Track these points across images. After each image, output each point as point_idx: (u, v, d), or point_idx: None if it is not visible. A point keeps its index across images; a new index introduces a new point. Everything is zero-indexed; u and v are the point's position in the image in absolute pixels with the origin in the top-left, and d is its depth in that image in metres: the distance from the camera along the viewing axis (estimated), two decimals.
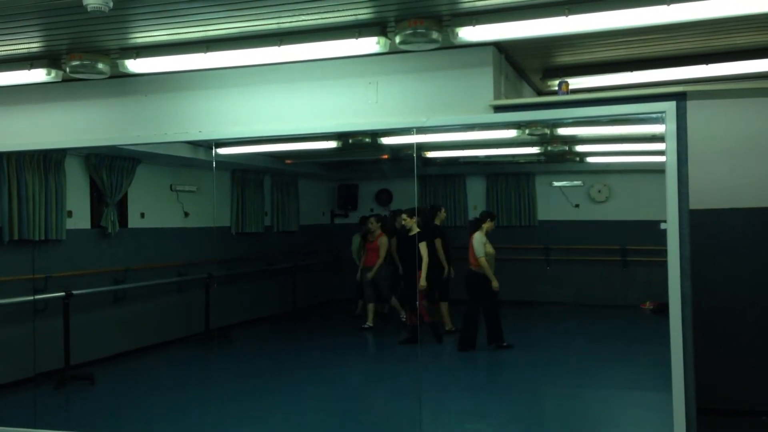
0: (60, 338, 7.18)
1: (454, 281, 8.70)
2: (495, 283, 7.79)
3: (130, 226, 8.68)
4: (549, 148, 8.76)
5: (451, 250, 8.75)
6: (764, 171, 5.91)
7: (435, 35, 4.76)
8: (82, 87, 6.24)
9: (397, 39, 4.82)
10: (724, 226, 5.92)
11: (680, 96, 4.56)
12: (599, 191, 9.61)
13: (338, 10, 4.62)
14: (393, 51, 5.18)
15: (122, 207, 8.60)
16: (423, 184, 10.33)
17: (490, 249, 7.91)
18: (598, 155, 9.72)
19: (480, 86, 5.39)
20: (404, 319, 9.35)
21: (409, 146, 5.82)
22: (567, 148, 9.01)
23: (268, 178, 10.58)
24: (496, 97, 5.39)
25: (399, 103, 5.53)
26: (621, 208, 9.38)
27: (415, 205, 8.02)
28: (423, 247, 8.07)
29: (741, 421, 5.83)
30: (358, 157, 10.27)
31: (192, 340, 9.03)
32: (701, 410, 4.55)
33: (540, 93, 7.09)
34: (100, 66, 5.53)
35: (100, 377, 7.46)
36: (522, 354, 8.06)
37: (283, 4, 4.50)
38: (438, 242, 8.62)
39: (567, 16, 4.45)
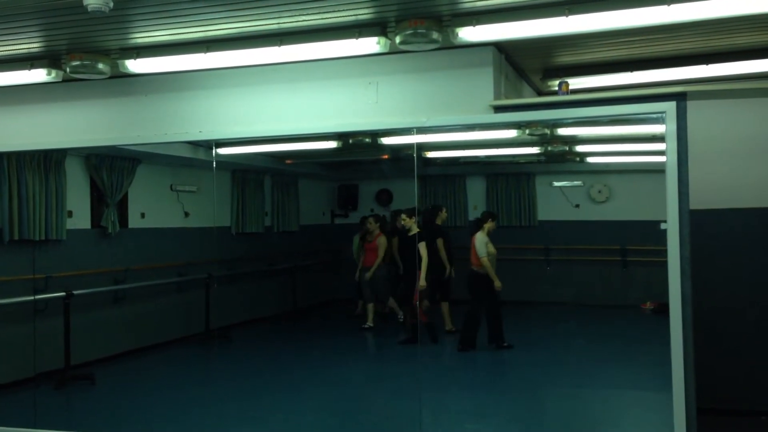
0: (60, 338, 7.19)
1: (455, 281, 8.70)
2: (497, 283, 7.80)
3: (130, 226, 8.68)
4: (549, 148, 8.76)
5: (452, 251, 8.75)
6: (764, 171, 5.91)
7: (435, 35, 4.76)
8: (82, 87, 6.24)
9: (398, 39, 4.83)
10: (724, 226, 5.92)
11: (680, 96, 4.56)
12: (599, 191, 9.61)
13: (338, 11, 4.62)
14: (393, 51, 5.19)
15: (122, 207, 8.61)
16: (423, 185, 10.32)
17: (492, 249, 7.92)
18: (598, 155, 9.71)
19: (480, 86, 5.39)
20: (402, 320, 9.35)
21: (410, 146, 5.82)
22: (567, 149, 9.00)
23: (268, 178, 10.59)
24: (497, 97, 5.39)
25: (399, 103, 5.53)
26: (621, 208, 9.38)
27: (416, 205, 8.02)
28: (422, 247, 8.07)
29: (741, 421, 5.83)
30: (358, 157, 10.27)
31: (192, 340, 9.03)
32: (701, 410, 4.56)
33: (540, 93, 7.09)
34: (101, 66, 5.53)
35: (101, 377, 7.46)
36: (522, 354, 8.06)
37: (284, 5, 4.50)
38: (440, 242, 8.63)
39: (567, 16, 4.45)
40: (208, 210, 9.11)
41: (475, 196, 10.46)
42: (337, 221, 11.39)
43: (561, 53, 6.10)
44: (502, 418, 6.08)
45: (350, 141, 8.01)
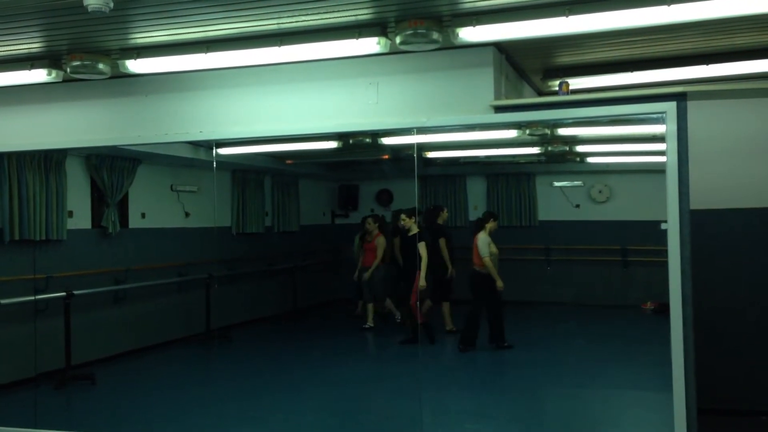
0: (61, 338, 7.19)
1: (456, 281, 8.70)
2: (500, 283, 7.81)
3: (130, 226, 8.68)
4: (549, 148, 8.76)
5: (453, 250, 8.76)
6: (765, 171, 5.91)
7: (435, 35, 4.76)
8: (82, 87, 6.24)
9: (398, 39, 4.83)
10: (724, 226, 5.91)
11: (681, 96, 4.56)
12: (600, 191, 9.61)
13: (339, 11, 4.62)
14: (393, 51, 5.19)
15: (123, 207, 8.61)
16: (423, 185, 10.33)
17: (494, 249, 7.94)
18: (598, 155, 9.72)
19: (480, 86, 5.39)
20: (399, 320, 9.37)
21: (410, 146, 5.83)
22: (567, 149, 9.01)
23: (268, 179, 10.59)
24: (497, 97, 5.39)
25: (399, 104, 5.53)
26: (621, 208, 9.39)
27: (416, 205, 8.02)
28: (422, 247, 8.08)
29: (741, 421, 5.83)
30: (358, 158, 10.28)
31: (192, 340, 9.03)
32: (701, 410, 4.55)
33: (540, 93, 7.09)
34: (101, 66, 5.53)
35: (101, 377, 7.46)
36: (522, 354, 8.07)
37: (284, 5, 4.50)
38: (442, 242, 8.64)
39: (567, 16, 4.45)
40: (209, 210, 9.12)
41: (476, 196, 10.47)
42: (338, 221, 11.40)
43: (561, 53, 6.10)
44: (503, 418, 6.08)
45: (351, 141, 8.01)
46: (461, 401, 6.57)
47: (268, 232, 10.54)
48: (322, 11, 4.62)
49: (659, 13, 4.30)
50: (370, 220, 9.59)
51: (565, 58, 6.25)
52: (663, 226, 4.50)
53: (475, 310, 8.09)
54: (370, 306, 9.46)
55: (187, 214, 9.35)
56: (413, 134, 5.36)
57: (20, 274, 6.95)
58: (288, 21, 4.81)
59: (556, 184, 9.92)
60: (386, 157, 9.72)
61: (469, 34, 4.74)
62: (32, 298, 6.82)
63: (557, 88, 5.69)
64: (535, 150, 8.96)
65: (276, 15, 4.70)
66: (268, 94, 5.86)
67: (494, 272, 7.83)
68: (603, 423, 5.99)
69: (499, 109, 5.31)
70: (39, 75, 5.69)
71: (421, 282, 7.95)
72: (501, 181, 10.27)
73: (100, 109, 6.25)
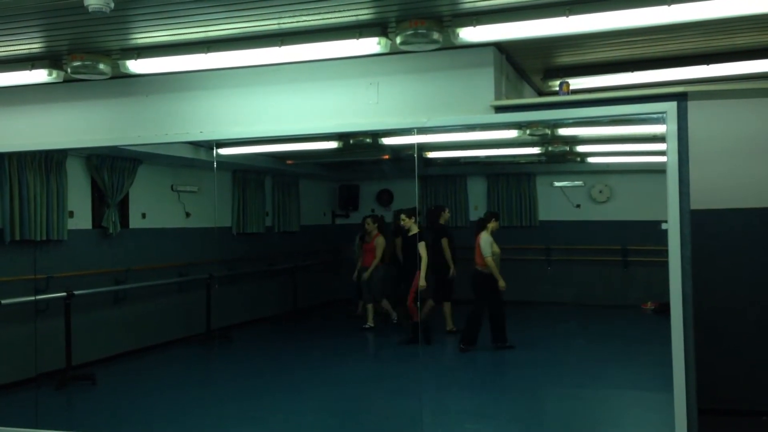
0: (61, 338, 7.19)
1: (457, 281, 8.71)
2: (502, 283, 7.83)
3: (131, 226, 8.68)
4: (550, 148, 8.76)
5: (455, 250, 8.77)
6: (765, 171, 5.91)
7: (436, 36, 4.76)
8: (83, 87, 6.25)
9: (398, 39, 4.83)
10: (724, 226, 5.92)
11: (681, 96, 4.56)
12: (600, 191, 9.60)
13: (339, 11, 4.62)
14: (394, 51, 5.19)
15: (123, 207, 8.61)
16: (424, 185, 10.33)
17: (496, 249, 7.96)
18: (599, 155, 9.71)
19: (481, 87, 5.39)
20: (395, 321, 9.39)
21: (410, 146, 5.82)
22: (568, 149, 9.01)
23: (269, 179, 10.59)
24: (497, 97, 5.39)
25: (400, 104, 5.53)
26: (622, 208, 9.38)
27: (416, 205, 8.02)
28: (422, 247, 8.09)
29: (741, 421, 5.83)
30: (359, 158, 10.27)
31: (193, 341, 9.04)
32: (702, 410, 4.55)
33: (541, 93, 7.09)
34: (102, 66, 5.53)
35: (102, 377, 7.47)
36: (523, 354, 8.06)
37: (284, 5, 4.50)
38: (444, 242, 8.65)
39: (568, 16, 4.45)
40: (209, 210, 9.12)
41: (476, 196, 10.46)
42: (338, 221, 11.40)
43: (562, 53, 6.10)
44: (503, 418, 6.08)
45: (351, 141, 8.00)
46: (461, 401, 6.57)
47: (268, 232, 10.54)
48: (322, 11, 4.62)
49: (660, 13, 4.30)
50: (369, 220, 9.59)
51: (566, 58, 6.25)
52: (663, 226, 4.50)
53: (476, 309, 8.10)
54: (370, 306, 9.46)
55: (187, 215, 9.35)
56: (414, 134, 5.36)
57: (21, 274, 6.95)
58: (289, 21, 4.82)
59: (557, 184, 9.92)
60: (387, 157, 9.71)
61: (469, 34, 4.74)
62: (33, 298, 6.83)
63: (558, 88, 5.69)
64: (536, 150, 8.96)
65: (277, 15, 4.70)
66: (268, 94, 5.86)
67: (496, 272, 7.85)
68: (603, 423, 5.99)
69: (499, 109, 5.31)
70: (40, 75, 5.69)
71: (421, 282, 7.95)
72: (501, 181, 10.26)
73: (100, 110, 6.25)
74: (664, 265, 4.48)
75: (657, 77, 6.32)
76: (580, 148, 9.32)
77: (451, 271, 8.66)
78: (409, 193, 9.08)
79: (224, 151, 7.90)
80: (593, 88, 6.57)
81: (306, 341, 9.53)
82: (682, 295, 4.45)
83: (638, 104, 4.79)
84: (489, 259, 7.85)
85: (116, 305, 8.40)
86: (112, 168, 8.21)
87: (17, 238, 7.14)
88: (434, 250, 8.61)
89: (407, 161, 5.93)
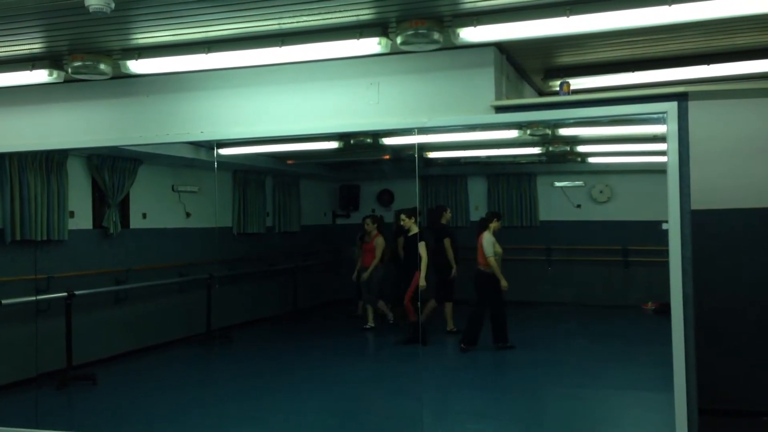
0: (62, 338, 7.20)
1: (458, 281, 8.71)
2: (504, 283, 7.83)
3: (131, 226, 8.68)
4: (550, 148, 8.76)
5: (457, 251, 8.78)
6: (765, 171, 5.91)
7: (436, 36, 4.76)
8: (83, 88, 6.25)
9: (399, 40, 4.83)
10: (725, 226, 5.92)
11: (682, 96, 4.56)
12: (601, 192, 9.60)
13: (340, 11, 4.63)
14: (394, 51, 5.19)
15: (124, 207, 8.62)
16: (424, 185, 10.33)
17: (498, 248, 7.97)
18: (599, 156, 9.71)
19: (481, 87, 5.39)
20: (392, 321, 9.41)
21: (411, 147, 5.82)
22: (568, 149, 9.00)
23: (269, 179, 10.59)
24: (498, 97, 5.39)
25: (400, 104, 5.53)
26: (622, 208, 9.37)
27: (417, 205, 8.02)
28: (422, 247, 8.09)
29: (742, 421, 5.83)
30: (359, 158, 10.28)
31: (193, 341, 9.04)
32: (702, 411, 4.55)
33: (541, 93, 7.09)
34: (102, 67, 5.54)
35: (102, 377, 7.47)
36: (523, 354, 8.06)
37: (285, 5, 4.50)
38: (447, 242, 8.66)
39: (568, 16, 4.45)
40: (210, 210, 9.12)
41: (477, 196, 10.46)
42: (339, 222, 11.40)
43: (562, 53, 6.10)
44: (504, 418, 6.08)
45: (351, 141, 8.01)
46: (462, 401, 6.57)
47: (269, 232, 10.54)
48: (323, 11, 4.62)
49: (660, 13, 4.30)
50: (368, 220, 9.60)
51: (566, 58, 6.25)
52: (664, 226, 4.50)
53: (478, 309, 8.10)
54: (369, 306, 9.46)
55: (188, 215, 9.36)
56: (414, 134, 5.36)
57: (21, 274, 6.95)
58: (289, 21, 4.82)
59: (557, 184, 9.92)
60: (387, 157, 9.71)
61: (470, 34, 4.74)
62: (33, 298, 6.83)
63: (558, 89, 5.69)
64: (536, 150, 8.95)
65: (277, 15, 4.70)
66: (269, 94, 5.87)
67: (498, 272, 7.85)
68: (604, 423, 5.99)
69: (500, 109, 5.32)
70: (40, 75, 5.70)
71: (421, 282, 7.95)
72: (502, 181, 10.26)
73: (101, 110, 6.26)
74: (665, 266, 4.48)
75: (657, 77, 6.32)
76: (581, 148, 9.32)
77: (453, 271, 8.66)
78: (409, 193, 9.09)
79: (225, 152, 7.91)
80: (594, 88, 6.57)
81: (306, 341, 9.53)
82: (683, 296, 4.45)
83: (639, 104, 4.79)
84: (491, 259, 7.86)
85: (117, 305, 8.40)
86: (112, 168, 8.22)
87: (18, 238, 7.14)
88: (436, 251, 8.62)
89: (408, 161, 5.93)
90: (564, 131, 7.36)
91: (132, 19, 4.76)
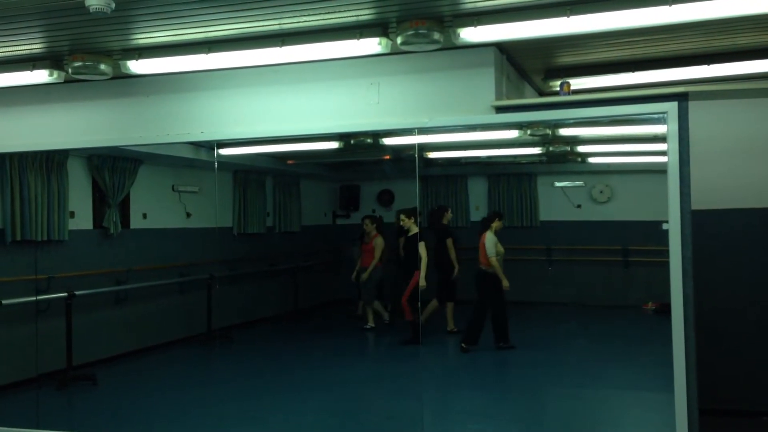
0: (62, 339, 7.20)
1: (459, 281, 8.71)
2: (506, 283, 7.84)
3: (132, 226, 8.69)
4: (551, 148, 8.76)
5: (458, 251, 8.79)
6: (765, 171, 5.91)
7: (436, 36, 4.76)
8: (84, 88, 6.25)
9: (399, 40, 4.83)
10: (725, 226, 5.92)
11: (682, 96, 4.56)
12: (601, 192, 9.61)
13: (340, 11, 4.63)
14: (394, 52, 5.19)
15: (124, 208, 8.62)
16: (425, 185, 10.34)
17: (500, 248, 7.98)
18: (599, 156, 9.72)
19: (481, 87, 5.39)
20: (387, 322, 9.42)
21: (411, 147, 5.82)
22: (569, 149, 9.01)
23: (269, 179, 10.59)
24: (498, 97, 5.39)
25: (400, 104, 5.53)
26: (623, 208, 9.38)
27: (417, 205, 8.02)
28: (422, 247, 8.10)
29: (742, 421, 5.83)
30: (359, 158, 10.28)
31: (194, 341, 9.04)
32: (702, 411, 4.55)
33: (542, 93, 7.09)
34: (103, 67, 5.54)
35: (102, 378, 7.47)
36: (523, 354, 8.06)
37: (285, 5, 4.51)
38: (449, 242, 8.66)
39: (568, 16, 4.45)
40: (210, 210, 9.13)
41: (477, 196, 10.47)
42: (339, 222, 11.40)
43: (562, 54, 6.10)
44: (504, 418, 6.08)
45: (352, 141, 8.01)
46: (462, 401, 6.57)
47: (269, 232, 10.55)
48: (323, 12, 4.62)
49: (661, 13, 4.30)
50: (367, 221, 9.59)
51: (567, 59, 6.25)
52: (664, 226, 4.50)
53: (480, 309, 8.10)
54: (369, 307, 9.47)
55: (188, 215, 9.36)
56: (414, 134, 5.36)
57: (22, 274, 6.96)
58: (289, 21, 4.82)
59: (558, 184, 9.92)
60: (387, 157, 9.72)
61: (470, 34, 4.74)
62: (34, 298, 6.83)
63: (558, 89, 5.69)
64: (537, 150, 8.96)
65: (277, 15, 4.70)
66: (269, 94, 5.87)
67: (500, 272, 7.86)
68: (604, 423, 5.99)
69: (500, 109, 5.31)
70: (40, 76, 5.70)
71: (422, 282, 7.96)
72: (502, 181, 10.27)
73: (101, 110, 6.26)
74: (665, 266, 4.48)
75: (658, 77, 6.32)
76: (581, 149, 9.32)
77: (456, 271, 8.66)
78: (409, 194, 9.09)
79: (225, 152, 7.91)
80: (594, 88, 6.58)
81: (306, 341, 9.53)
82: (683, 296, 4.45)
83: (639, 104, 4.79)
84: (493, 259, 7.87)
85: (117, 305, 8.40)
86: (113, 168, 8.22)
87: (18, 238, 7.15)
88: (437, 251, 8.63)
89: (408, 161, 5.93)
90: (564, 131, 7.36)
91: (132, 20, 4.76)
